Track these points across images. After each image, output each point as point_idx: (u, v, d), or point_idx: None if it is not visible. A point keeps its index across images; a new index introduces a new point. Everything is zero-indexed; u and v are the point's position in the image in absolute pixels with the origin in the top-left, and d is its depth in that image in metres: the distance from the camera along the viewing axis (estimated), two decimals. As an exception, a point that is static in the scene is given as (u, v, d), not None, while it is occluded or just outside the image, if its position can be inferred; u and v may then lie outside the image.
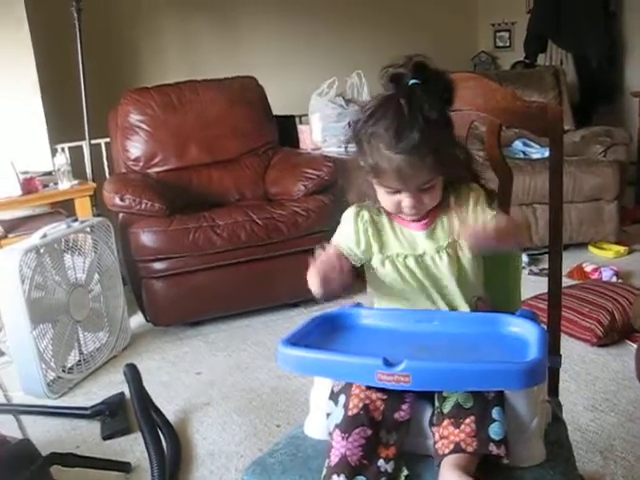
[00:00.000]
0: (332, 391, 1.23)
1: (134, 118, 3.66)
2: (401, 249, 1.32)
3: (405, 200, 1.25)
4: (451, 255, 1.30)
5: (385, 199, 1.28)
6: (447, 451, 1.12)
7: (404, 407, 1.19)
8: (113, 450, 2.31)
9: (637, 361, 1.92)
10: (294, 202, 3.44)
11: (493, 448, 1.11)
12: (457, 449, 1.11)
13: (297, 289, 3.32)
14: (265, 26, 5.15)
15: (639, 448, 2.11)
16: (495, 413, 1.13)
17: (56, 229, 2.86)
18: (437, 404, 1.18)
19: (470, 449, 1.11)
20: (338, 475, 1.12)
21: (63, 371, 2.79)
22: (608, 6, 5.26)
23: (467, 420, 1.13)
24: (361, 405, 1.16)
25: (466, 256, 1.31)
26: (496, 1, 6.11)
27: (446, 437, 1.13)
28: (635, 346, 2.17)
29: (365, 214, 1.34)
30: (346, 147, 1.31)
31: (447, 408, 1.15)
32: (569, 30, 5.32)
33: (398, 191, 1.25)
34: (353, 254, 1.33)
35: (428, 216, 1.31)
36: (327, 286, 1.22)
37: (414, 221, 1.32)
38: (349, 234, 1.34)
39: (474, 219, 1.26)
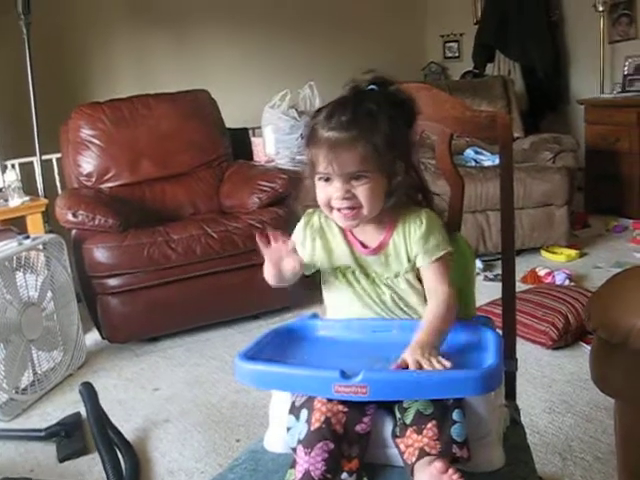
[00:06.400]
0: (293, 404, 1.21)
1: (85, 133, 3.60)
2: (351, 263, 1.32)
3: (335, 189, 1.23)
4: (410, 280, 1.31)
5: (320, 194, 1.27)
6: (414, 459, 1.11)
7: (365, 420, 1.17)
8: (70, 472, 2.26)
9: (592, 362, 1.95)
10: (249, 214, 3.43)
11: (456, 450, 1.11)
12: (422, 454, 1.11)
13: (255, 301, 3.38)
14: (218, 39, 5.14)
15: (597, 448, 2.15)
16: (455, 415, 1.14)
17: (7, 246, 2.79)
18: (399, 415, 1.17)
19: (434, 452, 1.10)
20: None
21: (16, 392, 2.72)
22: (550, 16, 5.40)
23: (429, 425, 1.13)
24: (323, 419, 1.14)
25: (416, 287, 1.32)
26: (445, 13, 6.22)
27: (411, 445, 1.13)
28: (589, 347, 2.21)
29: (315, 222, 1.34)
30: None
31: (409, 418, 1.15)
32: (515, 40, 5.45)
33: (330, 179, 1.24)
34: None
35: (377, 242, 1.31)
36: (279, 272, 1.28)
37: (363, 246, 1.31)
38: (297, 243, 1.33)
39: (417, 249, 1.29)
